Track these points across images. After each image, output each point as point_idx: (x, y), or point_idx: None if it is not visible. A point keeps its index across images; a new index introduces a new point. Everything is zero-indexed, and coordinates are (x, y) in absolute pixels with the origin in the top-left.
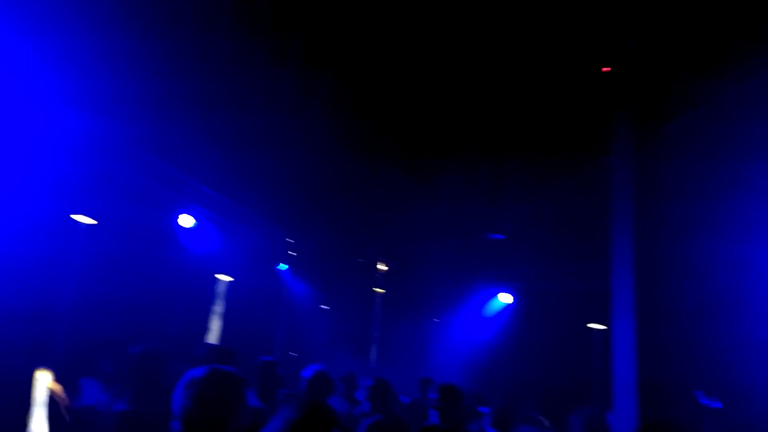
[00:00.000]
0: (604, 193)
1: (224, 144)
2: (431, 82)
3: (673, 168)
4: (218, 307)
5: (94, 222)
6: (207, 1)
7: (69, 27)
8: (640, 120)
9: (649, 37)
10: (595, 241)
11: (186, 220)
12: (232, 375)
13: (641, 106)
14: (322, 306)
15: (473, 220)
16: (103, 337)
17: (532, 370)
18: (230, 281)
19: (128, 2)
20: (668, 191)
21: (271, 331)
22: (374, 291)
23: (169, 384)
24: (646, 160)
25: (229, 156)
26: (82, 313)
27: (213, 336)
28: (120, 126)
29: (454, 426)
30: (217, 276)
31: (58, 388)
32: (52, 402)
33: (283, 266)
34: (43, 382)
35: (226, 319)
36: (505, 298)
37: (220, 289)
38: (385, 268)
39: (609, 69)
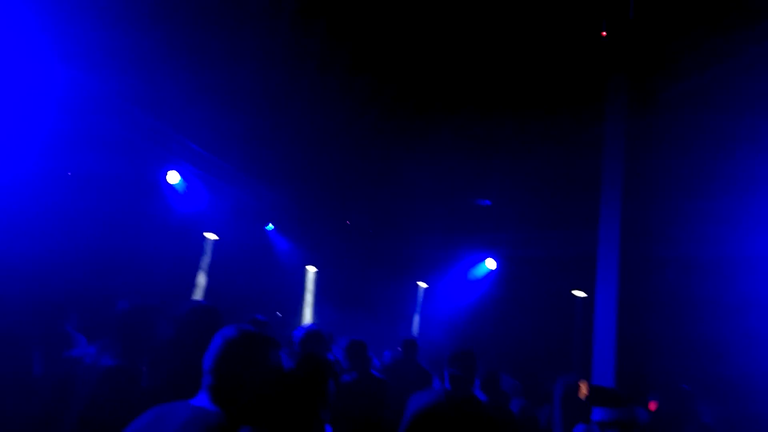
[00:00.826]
0: (592, 160)
1: (213, 101)
2: (424, 42)
3: (665, 136)
4: (205, 265)
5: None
6: None
7: None
8: (636, 87)
9: (648, 4)
10: (581, 209)
11: (173, 177)
12: (260, 336)
13: (637, 74)
14: (309, 266)
15: (461, 184)
16: (91, 292)
17: (515, 335)
18: (216, 240)
19: None
20: (660, 158)
21: (259, 292)
22: (362, 252)
23: (156, 340)
24: (639, 126)
25: (219, 113)
26: (69, 268)
27: (199, 294)
28: (109, 80)
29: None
30: (205, 234)
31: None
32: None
33: (270, 227)
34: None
35: (211, 277)
36: (490, 264)
37: (208, 247)
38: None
39: (605, 34)
